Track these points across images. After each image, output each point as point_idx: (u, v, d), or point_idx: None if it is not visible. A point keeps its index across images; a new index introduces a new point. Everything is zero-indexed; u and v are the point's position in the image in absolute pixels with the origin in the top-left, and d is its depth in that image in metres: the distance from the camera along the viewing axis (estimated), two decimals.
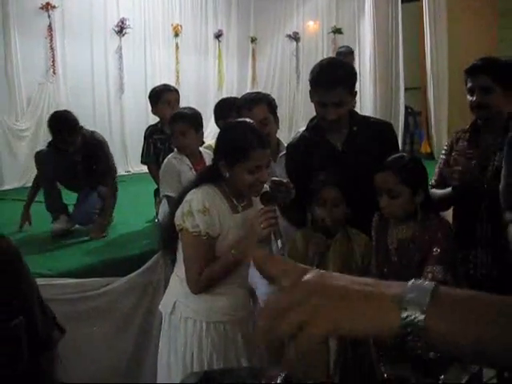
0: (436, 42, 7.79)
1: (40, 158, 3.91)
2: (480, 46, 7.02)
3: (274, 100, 2.80)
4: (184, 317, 2.15)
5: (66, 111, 3.95)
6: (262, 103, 2.70)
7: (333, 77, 2.42)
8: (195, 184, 2.14)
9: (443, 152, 2.77)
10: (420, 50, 8.07)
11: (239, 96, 3.22)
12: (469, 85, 2.51)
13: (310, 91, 2.55)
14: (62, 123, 3.75)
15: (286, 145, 2.85)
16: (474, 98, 2.47)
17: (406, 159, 2.31)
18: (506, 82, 2.43)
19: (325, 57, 9.37)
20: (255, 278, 2.80)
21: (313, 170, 2.45)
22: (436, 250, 2.16)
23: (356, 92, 2.55)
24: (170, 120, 3.39)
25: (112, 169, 4.00)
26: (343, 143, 2.58)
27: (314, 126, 2.65)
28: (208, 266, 2.08)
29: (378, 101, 8.56)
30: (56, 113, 4.00)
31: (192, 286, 2.10)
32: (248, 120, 2.21)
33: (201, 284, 2.09)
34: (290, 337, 0.60)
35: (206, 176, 2.17)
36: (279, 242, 2.00)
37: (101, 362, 3.00)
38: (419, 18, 8.02)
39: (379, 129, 2.65)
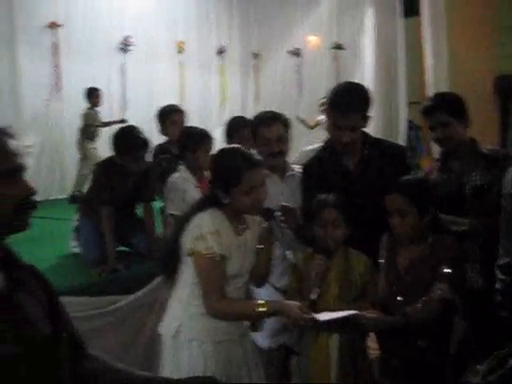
0: (436, 57, 7.82)
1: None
2: (480, 61, 7.03)
3: (287, 119, 2.86)
4: (188, 339, 2.13)
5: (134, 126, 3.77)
6: (279, 121, 2.76)
7: (347, 102, 2.50)
8: (200, 208, 2.16)
9: None
10: (421, 65, 8.10)
11: (243, 113, 3.24)
12: (428, 123, 2.78)
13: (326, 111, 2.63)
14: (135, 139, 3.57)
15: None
16: (436, 134, 2.74)
17: (414, 181, 2.39)
18: (459, 114, 2.71)
19: (326, 72, 9.54)
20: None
21: (327, 190, 2.49)
22: (445, 270, 2.21)
23: (369, 117, 2.61)
24: (199, 137, 3.41)
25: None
26: (356, 165, 2.64)
27: (328, 147, 2.71)
28: (234, 303, 2.14)
29: (379, 115, 8.57)
30: (126, 128, 3.81)
31: (210, 310, 2.09)
32: (236, 145, 2.26)
33: (219, 313, 2.10)
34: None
35: (209, 201, 2.19)
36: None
37: None
38: (420, 33, 8.05)
39: (392, 152, 2.71)
